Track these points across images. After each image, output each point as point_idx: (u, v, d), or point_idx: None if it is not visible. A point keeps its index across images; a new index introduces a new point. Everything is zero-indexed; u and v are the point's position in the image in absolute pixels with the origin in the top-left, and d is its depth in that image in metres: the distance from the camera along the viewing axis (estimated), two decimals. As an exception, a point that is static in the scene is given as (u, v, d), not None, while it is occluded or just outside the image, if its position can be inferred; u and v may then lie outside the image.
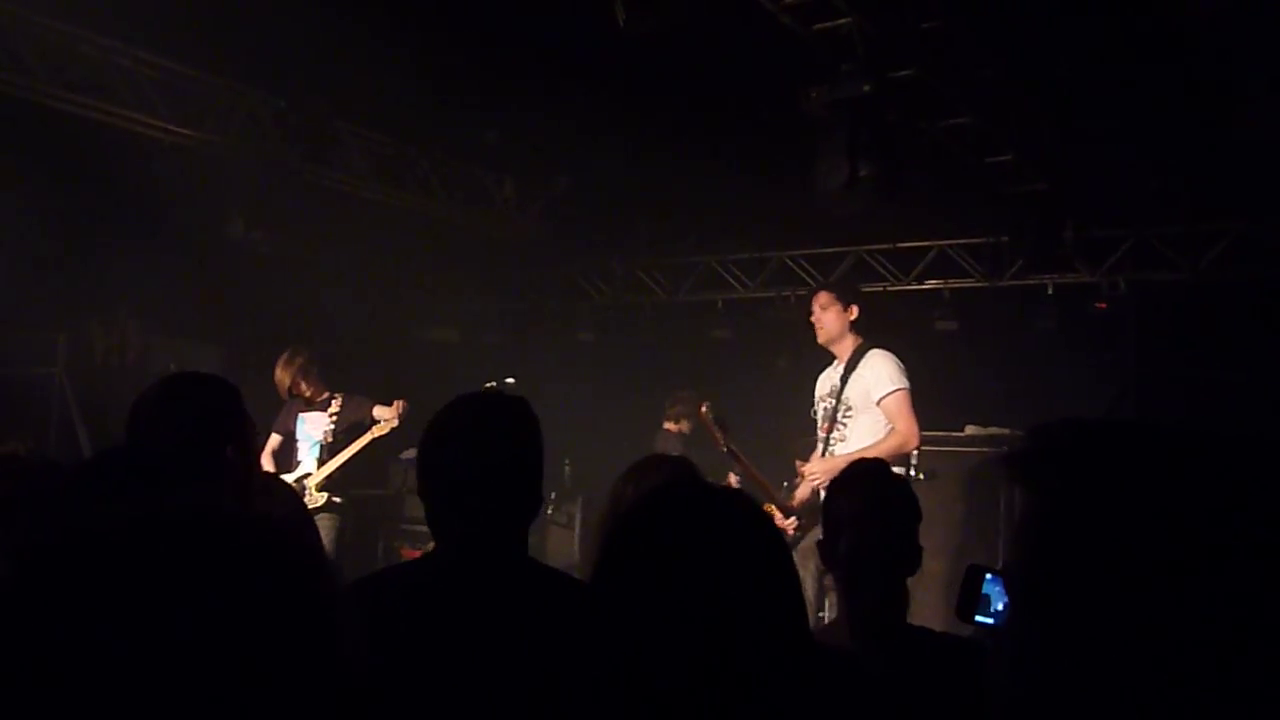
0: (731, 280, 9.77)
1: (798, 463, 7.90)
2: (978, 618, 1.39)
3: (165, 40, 6.80)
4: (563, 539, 8.56)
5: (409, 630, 1.98)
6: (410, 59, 6.23)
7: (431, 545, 2.32)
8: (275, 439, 7.05)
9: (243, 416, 2.56)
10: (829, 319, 5.36)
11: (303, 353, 7.00)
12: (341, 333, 8.88)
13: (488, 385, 7.41)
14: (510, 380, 7.45)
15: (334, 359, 8.12)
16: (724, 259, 9.74)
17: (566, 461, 8.55)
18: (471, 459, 2.14)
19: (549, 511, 8.49)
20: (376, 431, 6.88)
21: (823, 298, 5.44)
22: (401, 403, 6.89)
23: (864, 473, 2.71)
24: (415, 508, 8.51)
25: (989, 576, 1.41)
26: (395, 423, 6.87)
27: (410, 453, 8.34)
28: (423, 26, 6.04)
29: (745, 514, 1.60)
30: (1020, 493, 0.82)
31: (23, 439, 4.09)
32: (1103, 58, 6.11)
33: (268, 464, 6.91)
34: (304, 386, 6.91)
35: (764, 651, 1.40)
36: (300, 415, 7.04)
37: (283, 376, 6.89)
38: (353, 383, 7.40)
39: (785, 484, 8.18)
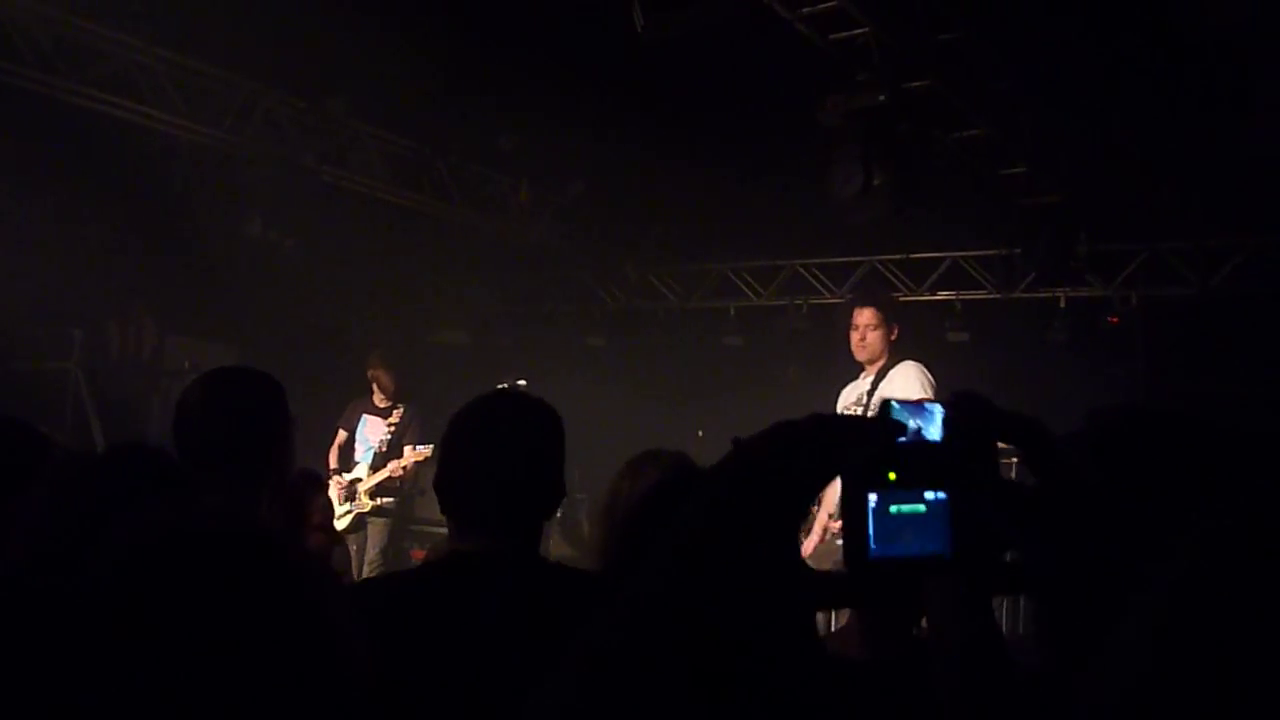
0: (744, 287, 9.78)
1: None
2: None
3: (186, 39, 6.84)
4: (566, 541, 8.55)
5: (422, 633, 1.98)
6: (428, 62, 6.26)
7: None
8: (341, 435, 7.30)
9: (287, 415, 2.53)
10: (875, 339, 5.26)
11: (397, 357, 7.34)
12: (353, 333, 8.90)
13: (500, 386, 7.46)
14: (522, 382, 7.48)
15: (346, 359, 8.17)
16: (737, 266, 9.76)
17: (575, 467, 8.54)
18: (490, 456, 2.15)
19: (558, 514, 8.46)
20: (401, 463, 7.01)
21: (869, 315, 5.31)
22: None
23: None
24: (424, 508, 8.54)
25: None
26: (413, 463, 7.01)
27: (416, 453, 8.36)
28: (440, 30, 6.05)
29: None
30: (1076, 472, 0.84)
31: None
32: (1118, 71, 6.10)
33: (332, 460, 7.22)
34: (390, 389, 7.20)
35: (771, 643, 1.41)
36: (364, 416, 7.30)
37: (383, 376, 7.21)
38: (363, 382, 7.50)
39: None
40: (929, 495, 0.89)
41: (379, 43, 6.03)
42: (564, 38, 6.18)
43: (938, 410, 1.44)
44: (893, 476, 0.89)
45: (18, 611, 0.78)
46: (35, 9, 6.37)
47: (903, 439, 0.94)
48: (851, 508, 0.89)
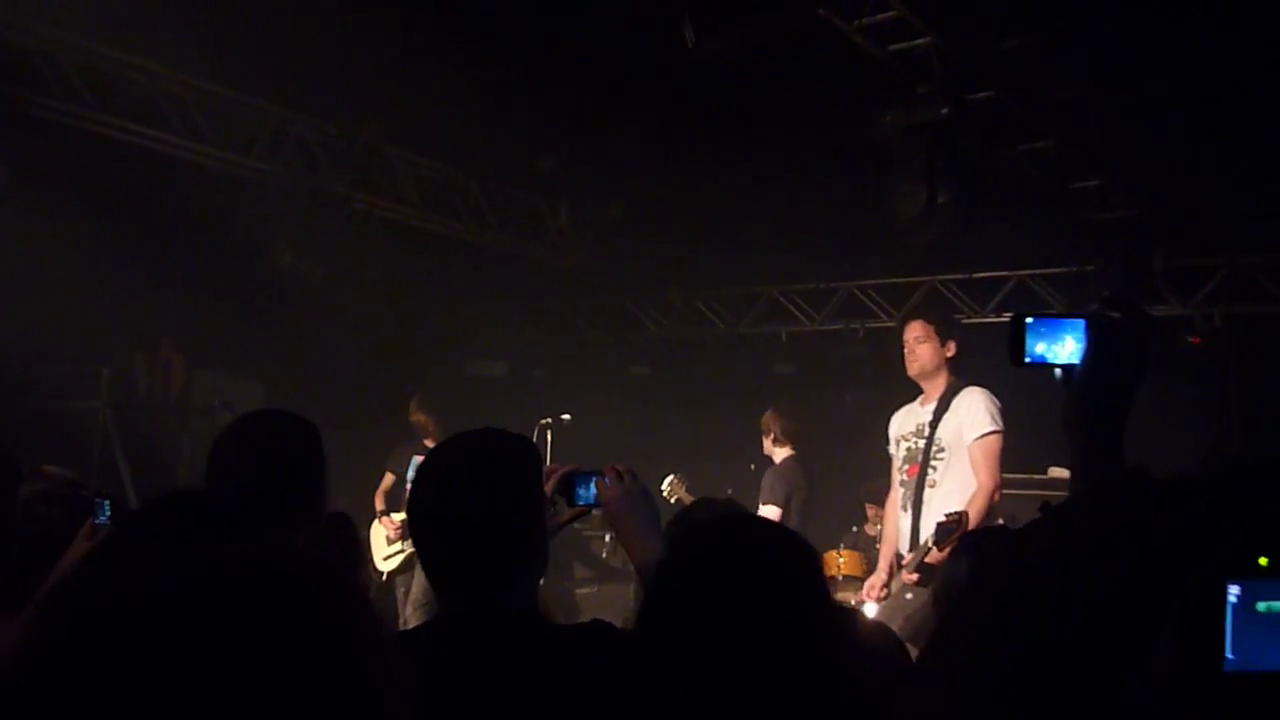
0: (796, 312, 9.48)
1: (868, 506, 7.53)
2: (1028, 359, 1.41)
3: (213, 65, 6.71)
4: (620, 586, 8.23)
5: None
6: (462, 82, 6.06)
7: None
8: (389, 478, 7.21)
9: (322, 458, 2.54)
10: (924, 352, 5.00)
11: (437, 398, 7.27)
12: (388, 367, 8.70)
13: (542, 421, 7.24)
14: (566, 416, 7.28)
15: (379, 393, 7.95)
16: (787, 289, 9.46)
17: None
18: (443, 508, 1.95)
19: (604, 555, 8.21)
20: None
21: (918, 328, 5.08)
22: None
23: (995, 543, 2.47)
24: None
25: (1029, 321, 1.40)
26: None
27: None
28: (475, 50, 5.88)
29: (791, 549, 1.61)
30: None
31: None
32: (1194, 78, 5.78)
33: (379, 502, 7.18)
34: (434, 432, 7.08)
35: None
36: (414, 458, 7.20)
37: (424, 419, 7.15)
38: (400, 417, 7.29)
39: (855, 529, 7.80)
40: None
41: (409, 65, 5.88)
42: (602, 51, 6.00)
43: (1080, 325, 1.37)
44: (1264, 562, 0.69)
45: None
46: (60, 38, 6.22)
47: None
48: (1201, 599, 0.70)
